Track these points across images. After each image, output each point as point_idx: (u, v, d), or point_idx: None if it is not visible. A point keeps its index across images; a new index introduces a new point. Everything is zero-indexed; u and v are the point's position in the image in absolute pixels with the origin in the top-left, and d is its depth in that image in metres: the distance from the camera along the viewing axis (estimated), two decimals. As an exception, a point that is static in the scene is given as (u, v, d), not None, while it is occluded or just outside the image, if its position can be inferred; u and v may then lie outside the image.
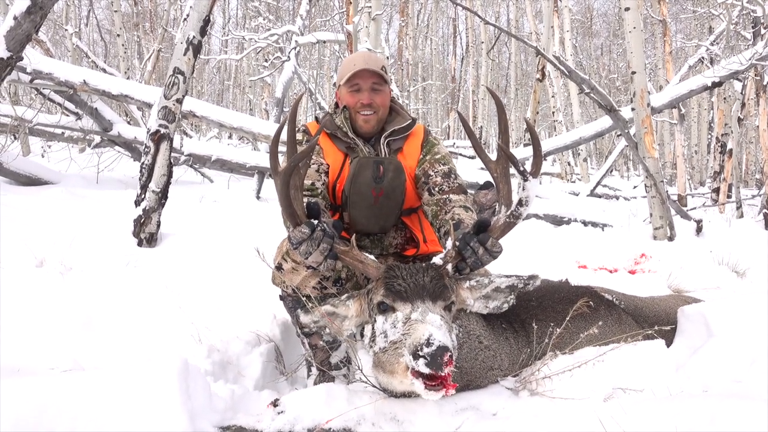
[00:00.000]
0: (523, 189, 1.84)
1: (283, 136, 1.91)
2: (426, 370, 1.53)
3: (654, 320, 2.29)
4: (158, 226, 3.94)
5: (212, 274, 3.25)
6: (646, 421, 1.60)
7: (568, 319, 2.02)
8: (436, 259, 1.86)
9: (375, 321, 1.78)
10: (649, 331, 2.08)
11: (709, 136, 14.24)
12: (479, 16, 6.46)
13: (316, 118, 2.61)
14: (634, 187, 13.56)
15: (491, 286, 1.85)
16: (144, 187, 3.92)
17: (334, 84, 2.54)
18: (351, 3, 7.77)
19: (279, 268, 2.24)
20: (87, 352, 2.23)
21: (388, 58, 9.83)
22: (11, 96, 9.50)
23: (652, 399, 1.76)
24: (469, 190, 2.56)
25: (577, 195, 9.13)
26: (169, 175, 3.99)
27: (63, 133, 6.97)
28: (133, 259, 3.41)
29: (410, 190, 2.40)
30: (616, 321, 2.21)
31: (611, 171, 13.21)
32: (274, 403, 1.79)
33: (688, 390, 1.89)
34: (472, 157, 12.53)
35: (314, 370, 2.34)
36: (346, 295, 1.91)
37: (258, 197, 6.85)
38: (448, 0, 7.01)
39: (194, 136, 12.40)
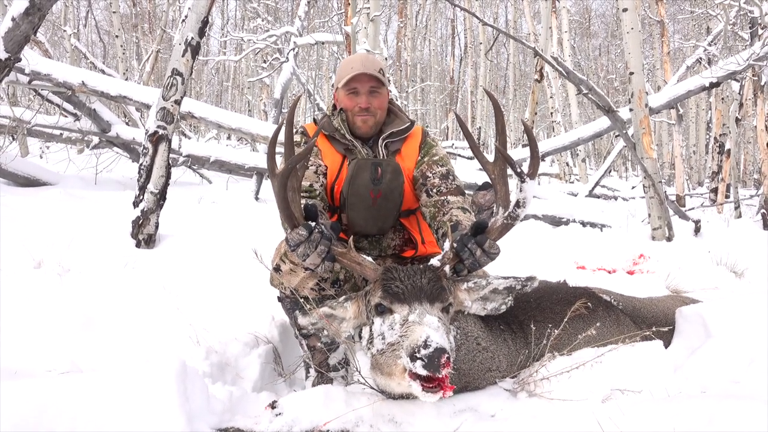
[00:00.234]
0: (521, 190, 1.85)
1: (281, 137, 1.91)
2: (423, 372, 1.52)
3: (652, 321, 2.29)
4: (156, 227, 3.94)
5: (211, 275, 3.25)
6: (644, 422, 1.60)
7: (566, 320, 2.02)
8: (434, 261, 1.86)
9: (373, 323, 1.78)
10: (647, 332, 2.08)
11: (707, 137, 14.27)
12: (477, 17, 6.46)
13: (314, 120, 2.61)
14: (633, 187, 13.57)
15: (489, 288, 1.85)
16: (142, 188, 3.92)
17: (333, 85, 2.54)
18: (349, 4, 7.77)
19: (277, 269, 2.24)
20: (85, 353, 2.23)
21: (386, 59, 9.83)
22: (9, 97, 9.50)
23: (650, 400, 1.76)
24: (468, 191, 2.56)
25: (576, 195, 9.13)
26: (168, 176, 3.99)
27: (61, 134, 6.96)
28: (132, 261, 3.40)
29: (408, 191, 2.40)
30: (615, 322, 2.21)
31: (610, 171, 13.24)
32: (272, 405, 1.79)
33: (686, 391, 1.89)
34: (471, 158, 12.51)
35: (312, 371, 2.34)
36: (344, 296, 1.91)
37: (257, 198, 6.85)
38: (447, 1, 7.01)
39: (193, 137, 12.40)
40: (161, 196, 3.94)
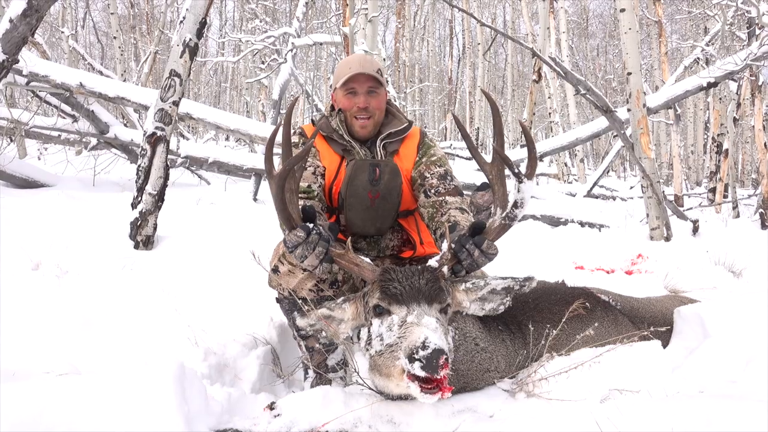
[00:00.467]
0: (518, 191, 1.85)
1: (279, 138, 1.91)
2: (422, 373, 1.52)
3: (650, 321, 2.29)
4: (155, 228, 3.94)
5: (209, 276, 3.25)
6: (642, 422, 1.60)
7: (564, 320, 2.02)
8: (432, 262, 1.86)
9: (371, 324, 1.78)
10: (646, 332, 2.08)
11: (705, 137, 14.28)
12: (475, 18, 6.47)
13: (312, 121, 2.61)
14: (631, 187, 13.60)
15: (487, 288, 1.85)
16: (140, 190, 3.91)
17: (331, 86, 2.55)
18: (347, 5, 7.78)
19: (275, 270, 2.24)
20: (83, 355, 2.23)
21: (384, 59, 9.83)
22: (7, 99, 9.47)
23: (648, 400, 1.76)
24: (466, 192, 2.57)
25: (574, 196, 9.14)
26: (166, 177, 3.98)
27: (59, 135, 6.95)
28: (130, 262, 3.40)
29: (406, 192, 2.40)
30: (613, 322, 2.22)
31: (608, 172, 13.23)
32: (271, 406, 1.79)
33: (684, 391, 1.89)
34: (469, 159, 12.51)
35: (311, 372, 2.33)
36: (342, 298, 1.91)
37: (255, 199, 6.85)
38: (445, 2, 7.02)
39: (191, 138, 12.38)
40: (159, 198, 3.94)
